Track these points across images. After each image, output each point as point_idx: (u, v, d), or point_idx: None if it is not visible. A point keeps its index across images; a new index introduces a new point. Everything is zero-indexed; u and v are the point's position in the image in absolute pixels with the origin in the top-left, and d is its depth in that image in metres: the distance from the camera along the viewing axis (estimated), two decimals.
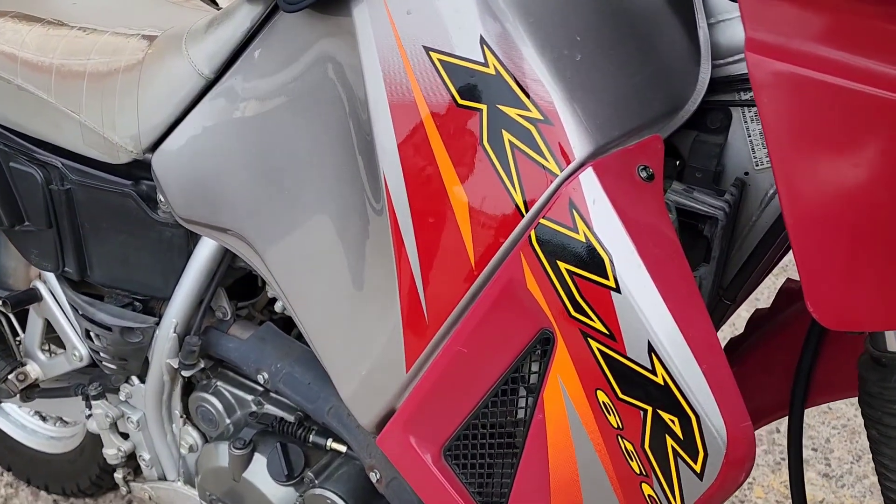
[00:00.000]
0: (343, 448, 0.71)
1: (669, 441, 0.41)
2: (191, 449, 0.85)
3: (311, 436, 0.72)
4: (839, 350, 0.49)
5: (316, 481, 0.71)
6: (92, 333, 0.80)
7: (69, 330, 0.84)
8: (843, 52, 0.37)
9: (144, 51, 0.68)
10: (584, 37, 0.44)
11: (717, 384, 0.40)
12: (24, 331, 0.93)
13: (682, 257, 0.42)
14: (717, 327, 0.55)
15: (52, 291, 0.85)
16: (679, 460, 0.41)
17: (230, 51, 0.61)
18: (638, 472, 0.43)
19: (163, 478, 0.89)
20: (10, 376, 0.88)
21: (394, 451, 0.55)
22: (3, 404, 1.28)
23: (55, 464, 1.22)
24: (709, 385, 0.40)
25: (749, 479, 1.27)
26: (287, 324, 0.81)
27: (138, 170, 0.72)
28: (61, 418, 1.26)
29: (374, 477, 0.67)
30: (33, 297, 0.85)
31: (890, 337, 0.43)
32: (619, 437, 0.43)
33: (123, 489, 0.94)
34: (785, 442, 1.30)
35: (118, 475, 0.93)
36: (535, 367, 0.46)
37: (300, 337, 0.77)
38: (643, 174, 0.43)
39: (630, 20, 0.47)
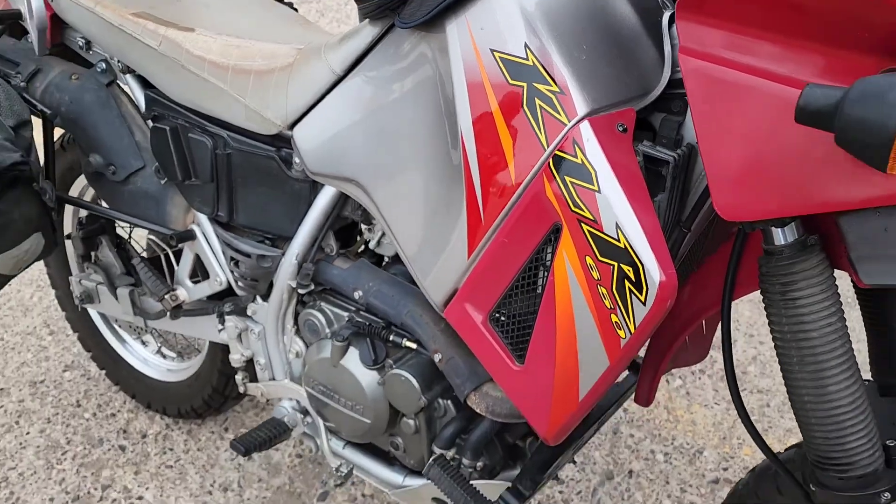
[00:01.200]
0: (414, 345, 0.99)
1: (627, 284, 0.68)
2: (297, 355, 1.14)
3: (391, 336, 1.00)
4: (754, 253, 0.75)
5: (394, 366, 0.99)
6: (235, 260, 1.10)
7: (214, 261, 1.15)
8: (735, 53, 0.64)
9: (294, 56, 1.00)
10: (588, 45, 0.72)
11: (655, 249, 0.66)
12: (177, 264, 1.24)
13: (640, 178, 0.70)
14: (676, 251, 0.81)
15: (203, 233, 1.15)
16: (632, 295, 0.67)
17: (357, 55, 0.91)
18: (609, 306, 0.69)
19: (272, 378, 1.18)
20: (165, 296, 1.19)
21: (455, 318, 0.83)
22: (131, 345, 1.60)
23: (171, 390, 1.52)
24: (651, 249, 0.66)
25: (739, 440, 1.49)
26: (374, 262, 1.10)
27: (280, 141, 1.03)
28: (179, 354, 1.57)
29: (437, 358, 0.95)
30: (190, 235, 1.15)
31: (775, 233, 0.69)
32: (598, 285, 0.70)
33: (241, 388, 1.23)
34: (774, 415, 1.53)
35: (238, 377, 1.23)
36: (549, 249, 0.73)
37: (384, 270, 1.06)
38: (620, 128, 0.71)
39: (620, 38, 0.75)
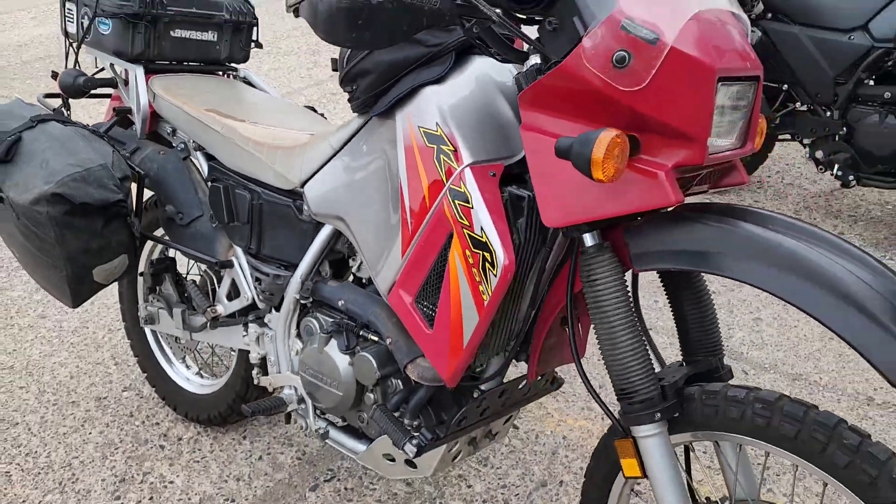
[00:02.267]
0: (375, 338, 1.40)
1: (486, 265, 1.09)
2: (297, 353, 1.55)
3: (360, 331, 1.41)
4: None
5: (360, 351, 1.39)
6: (259, 279, 1.55)
7: (244, 282, 1.60)
8: (544, 126, 1.08)
9: (308, 138, 1.49)
10: (474, 125, 1.18)
11: (503, 243, 1.08)
12: (218, 284, 1.69)
13: (499, 203, 1.12)
14: (544, 262, 1.21)
15: (238, 261, 1.61)
16: (489, 272, 1.09)
17: (348, 136, 1.39)
18: (477, 280, 1.10)
19: (279, 371, 1.59)
20: (207, 309, 1.63)
21: (394, 301, 1.25)
22: (176, 366, 2.03)
23: (202, 402, 1.93)
24: (500, 243, 1.08)
25: None
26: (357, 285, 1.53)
27: (295, 195, 1.50)
28: (213, 373, 1.99)
29: (388, 342, 1.35)
30: (230, 264, 1.61)
31: (584, 238, 1.09)
32: (472, 267, 1.11)
33: (256, 380, 1.64)
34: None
35: (254, 372, 1.64)
36: (447, 248, 1.16)
37: (361, 287, 1.48)
38: (491, 174, 1.15)
39: (496, 122, 1.21)
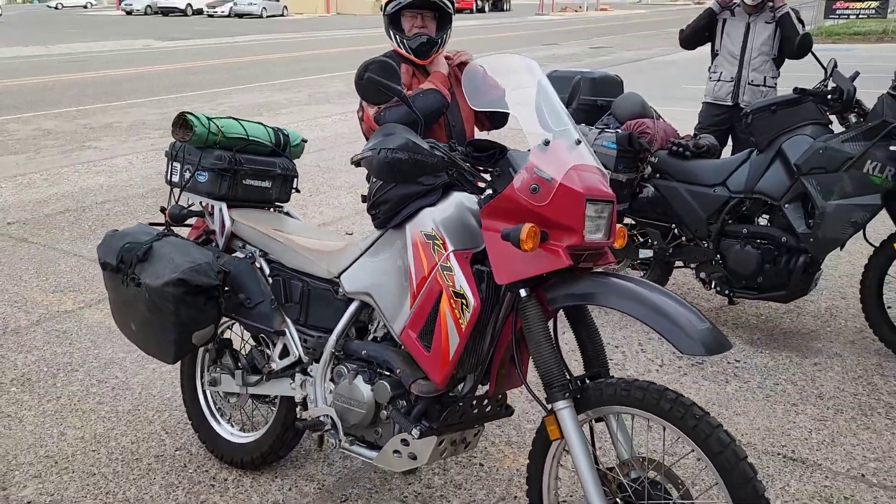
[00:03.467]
0: (388, 373, 2.11)
1: (463, 305, 1.86)
2: (330, 391, 2.24)
3: (378, 369, 2.13)
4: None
5: (377, 381, 2.10)
6: (305, 340, 2.27)
7: (292, 344, 2.31)
8: (498, 223, 1.90)
9: (344, 245, 2.29)
10: (454, 230, 1.99)
11: (473, 293, 1.86)
12: (271, 348, 2.39)
13: (470, 273, 1.91)
14: (500, 308, 1.99)
15: (289, 330, 2.33)
16: (465, 309, 1.85)
17: (371, 242, 2.20)
18: (458, 315, 1.86)
19: (316, 406, 2.27)
20: (266, 364, 2.33)
21: (405, 339, 1.99)
22: (223, 425, 2.66)
23: (241, 450, 2.55)
24: (471, 293, 1.86)
25: None
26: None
27: (332, 282, 2.27)
28: (253, 426, 2.63)
29: (398, 373, 2.06)
30: (283, 332, 2.33)
31: (520, 291, 1.86)
32: (454, 307, 1.87)
33: (301, 413, 2.30)
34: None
35: (297, 408, 2.31)
36: (439, 301, 1.92)
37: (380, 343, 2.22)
38: (465, 257, 1.94)
39: (469, 226, 2.03)
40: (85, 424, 2.91)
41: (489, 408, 2.15)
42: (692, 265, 3.70)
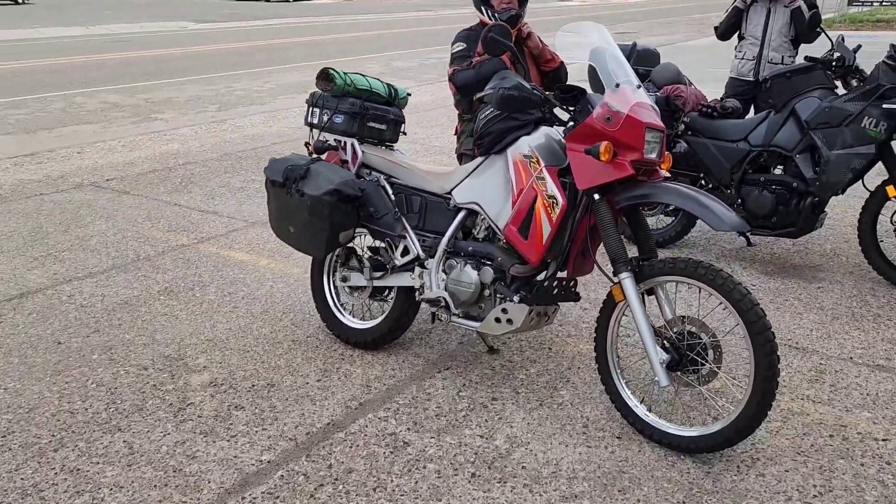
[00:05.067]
0: (489, 262, 2.82)
1: (554, 205, 2.56)
2: (442, 280, 2.96)
3: (482, 259, 2.84)
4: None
5: (483, 267, 2.81)
6: (424, 240, 2.99)
7: (412, 244, 3.03)
8: (578, 144, 2.60)
9: (455, 169, 3.00)
10: (546, 151, 2.69)
11: (561, 195, 2.56)
12: (394, 250, 3.11)
13: (557, 182, 2.61)
14: (586, 210, 2.69)
15: (408, 234, 3.05)
16: (555, 208, 2.56)
17: (476, 165, 2.90)
18: (550, 211, 2.57)
19: (431, 291, 2.98)
20: (392, 260, 3.06)
21: (507, 233, 2.70)
22: (346, 316, 3.39)
23: (364, 334, 3.28)
24: (559, 194, 2.56)
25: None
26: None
27: (444, 197, 2.98)
28: (371, 317, 3.37)
29: (498, 260, 2.77)
30: (404, 236, 3.05)
31: (596, 197, 2.56)
32: (546, 207, 2.57)
33: (417, 298, 3.03)
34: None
35: (416, 294, 3.03)
36: (534, 203, 2.63)
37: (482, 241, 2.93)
38: (556, 171, 2.64)
39: (555, 149, 2.72)
40: (228, 320, 3.65)
41: (565, 290, 2.86)
42: None
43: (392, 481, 2.41)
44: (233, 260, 4.48)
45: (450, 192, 2.96)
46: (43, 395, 2.96)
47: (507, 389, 2.99)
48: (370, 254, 3.31)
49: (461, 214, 2.94)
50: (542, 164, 2.66)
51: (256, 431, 2.70)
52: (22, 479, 2.45)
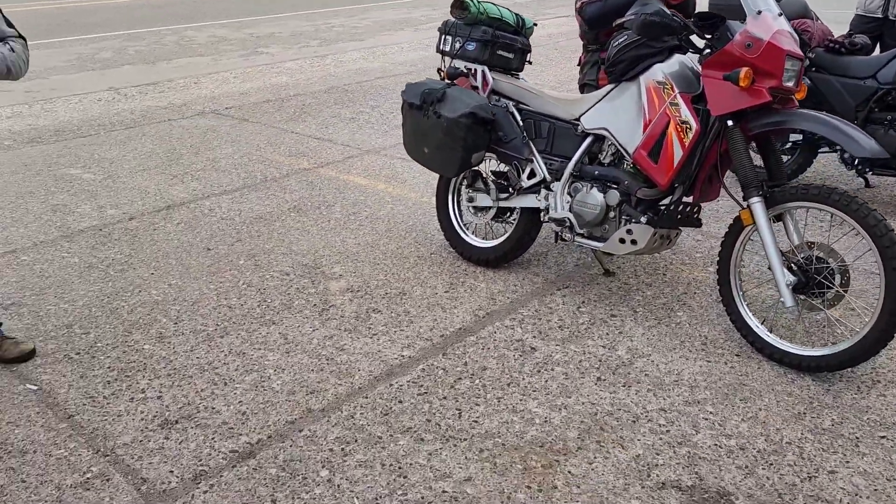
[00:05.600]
0: (615, 185, 2.95)
1: (686, 129, 2.65)
2: (567, 202, 3.11)
3: (607, 183, 2.97)
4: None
5: (609, 189, 2.95)
6: (550, 163, 3.14)
7: (538, 167, 3.18)
8: (715, 71, 2.66)
9: (583, 97, 3.11)
10: (680, 78, 2.77)
11: (694, 120, 2.65)
12: (520, 174, 3.28)
13: (691, 107, 2.69)
14: (717, 136, 2.77)
15: (535, 158, 3.21)
16: (688, 133, 2.65)
17: (606, 92, 3.00)
18: (682, 135, 2.66)
19: (556, 212, 3.15)
20: (518, 182, 3.22)
21: (637, 157, 2.81)
22: (470, 235, 3.60)
23: (487, 252, 3.49)
24: (693, 119, 2.65)
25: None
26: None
27: (572, 123, 3.11)
28: (493, 235, 3.56)
29: (625, 183, 2.90)
30: (531, 160, 3.21)
31: (728, 123, 2.63)
32: (679, 132, 2.67)
33: (543, 219, 3.20)
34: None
35: (541, 215, 3.20)
36: (667, 128, 2.72)
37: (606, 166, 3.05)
38: (689, 97, 2.72)
39: (688, 76, 2.80)
40: (356, 237, 3.93)
41: (689, 215, 2.96)
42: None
43: (524, 379, 2.64)
44: (352, 183, 4.74)
45: (578, 119, 3.08)
46: (202, 292, 3.31)
47: (625, 308, 3.15)
48: (493, 177, 3.48)
49: (588, 140, 3.06)
50: (677, 91, 2.74)
51: (395, 331, 2.97)
52: (197, 357, 2.80)
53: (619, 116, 2.93)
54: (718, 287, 2.85)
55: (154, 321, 3.06)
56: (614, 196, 2.93)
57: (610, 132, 2.96)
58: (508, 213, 3.46)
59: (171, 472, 2.19)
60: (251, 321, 3.06)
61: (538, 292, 3.29)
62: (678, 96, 2.73)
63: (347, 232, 3.98)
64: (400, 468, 2.20)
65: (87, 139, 5.84)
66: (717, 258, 2.86)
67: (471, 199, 3.48)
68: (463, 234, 3.59)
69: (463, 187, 3.56)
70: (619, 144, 2.92)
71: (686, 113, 2.70)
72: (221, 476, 2.17)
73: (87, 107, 6.87)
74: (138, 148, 5.57)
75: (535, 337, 2.91)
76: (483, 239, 3.59)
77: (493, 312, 3.11)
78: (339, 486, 2.13)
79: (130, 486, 2.13)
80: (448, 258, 3.65)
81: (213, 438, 2.33)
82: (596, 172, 3.03)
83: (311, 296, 3.27)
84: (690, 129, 2.68)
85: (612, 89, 3.00)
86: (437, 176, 4.11)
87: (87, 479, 2.16)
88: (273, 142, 5.69)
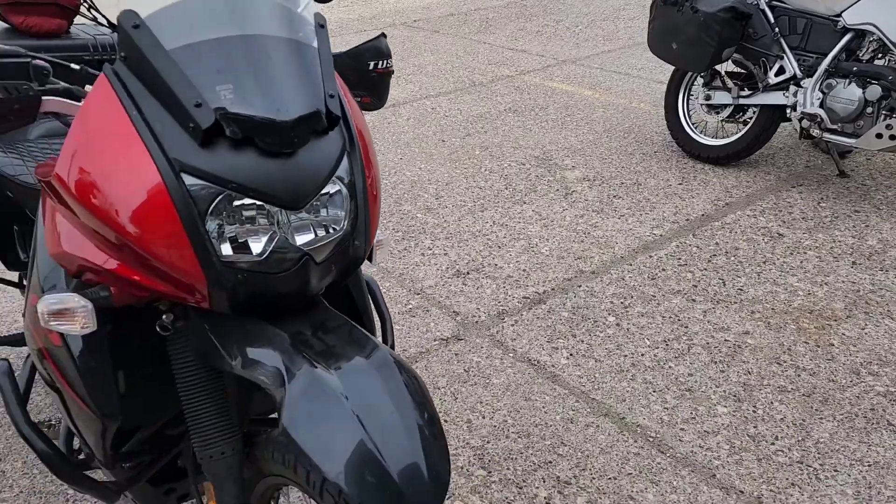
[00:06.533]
0: (880, 82, 2.98)
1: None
2: (818, 98, 3.16)
3: (872, 81, 3.00)
4: None
5: (869, 86, 2.98)
6: (804, 61, 3.19)
7: (789, 64, 3.24)
8: None
9: None
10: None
11: None
12: (767, 72, 3.35)
13: None
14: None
15: (787, 54, 3.26)
16: None
17: None
18: None
19: (805, 110, 3.21)
20: (764, 82, 3.30)
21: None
22: (697, 133, 3.72)
23: (717, 150, 3.60)
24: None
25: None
26: None
27: (831, 19, 3.12)
28: (724, 133, 3.67)
29: (889, 81, 2.92)
30: (782, 56, 3.27)
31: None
32: None
33: (790, 115, 3.28)
34: None
35: (787, 112, 3.28)
36: None
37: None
38: None
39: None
40: (577, 135, 4.14)
41: None
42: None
43: (777, 259, 2.80)
44: (558, 90, 4.93)
45: (839, 14, 3.10)
46: (451, 175, 3.65)
47: (868, 205, 3.21)
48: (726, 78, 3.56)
49: (849, 35, 3.08)
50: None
51: (640, 214, 3.19)
52: (466, 225, 3.14)
53: (890, 11, 2.93)
54: None
55: (417, 196, 3.44)
56: (875, 91, 2.96)
57: (877, 27, 2.96)
58: (743, 112, 3.55)
59: (478, 309, 2.55)
60: (503, 200, 3.37)
61: (772, 188, 3.39)
62: None
63: (567, 131, 4.19)
64: (679, 320, 2.45)
65: None
66: None
67: (707, 97, 3.59)
68: (691, 133, 3.72)
69: (698, 86, 3.67)
70: (888, 39, 2.93)
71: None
72: (521, 315, 2.50)
73: None
74: None
75: (779, 225, 3.05)
76: (714, 137, 3.70)
77: (731, 203, 3.26)
78: (627, 329, 2.41)
79: (447, 316, 2.51)
80: (674, 156, 3.79)
81: (503, 287, 2.67)
82: (855, 68, 3.06)
83: (551, 182, 3.54)
84: None
85: None
86: (644, 84, 4.22)
87: (410, 308, 2.56)
88: (469, 51, 5.93)
